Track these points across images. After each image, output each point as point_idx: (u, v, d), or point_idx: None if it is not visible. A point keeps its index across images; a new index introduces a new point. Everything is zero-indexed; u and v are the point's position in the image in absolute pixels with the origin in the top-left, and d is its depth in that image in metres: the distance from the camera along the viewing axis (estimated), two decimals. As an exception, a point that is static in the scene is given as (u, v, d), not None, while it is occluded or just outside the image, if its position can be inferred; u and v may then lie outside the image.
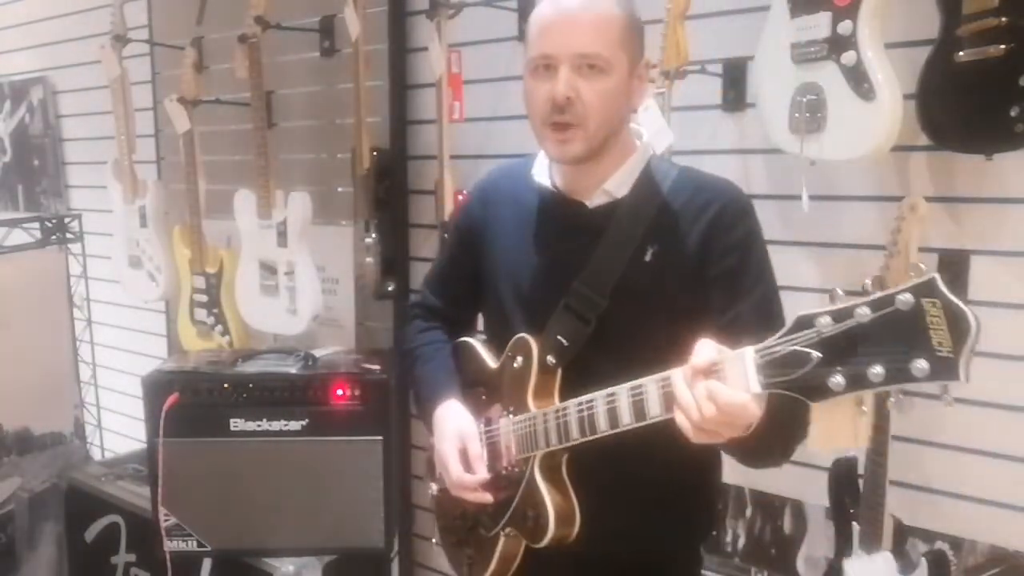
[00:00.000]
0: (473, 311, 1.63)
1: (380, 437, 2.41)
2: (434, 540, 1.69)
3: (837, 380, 0.93)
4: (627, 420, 1.22)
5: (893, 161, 1.81)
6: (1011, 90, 1.52)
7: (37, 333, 3.43)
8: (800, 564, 2.06)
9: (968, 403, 1.79)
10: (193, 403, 2.42)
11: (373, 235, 2.68)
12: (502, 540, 1.44)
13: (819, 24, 1.69)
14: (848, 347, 0.92)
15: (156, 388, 2.44)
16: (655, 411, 1.17)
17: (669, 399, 1.13)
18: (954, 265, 1.77)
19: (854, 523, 1.79)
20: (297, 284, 2.71)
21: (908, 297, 0.88)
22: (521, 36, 2.39)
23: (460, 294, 1.63)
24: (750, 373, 1.03)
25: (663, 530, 1.41)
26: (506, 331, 1.46)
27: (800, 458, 1.97)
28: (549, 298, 1.39)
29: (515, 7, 2.39)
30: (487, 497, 1.43)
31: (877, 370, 0.90)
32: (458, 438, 1.46)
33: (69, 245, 3.66)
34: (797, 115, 1.74)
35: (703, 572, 1.58)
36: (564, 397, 1.35)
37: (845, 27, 1.65)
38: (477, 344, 1.57)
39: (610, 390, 1.24)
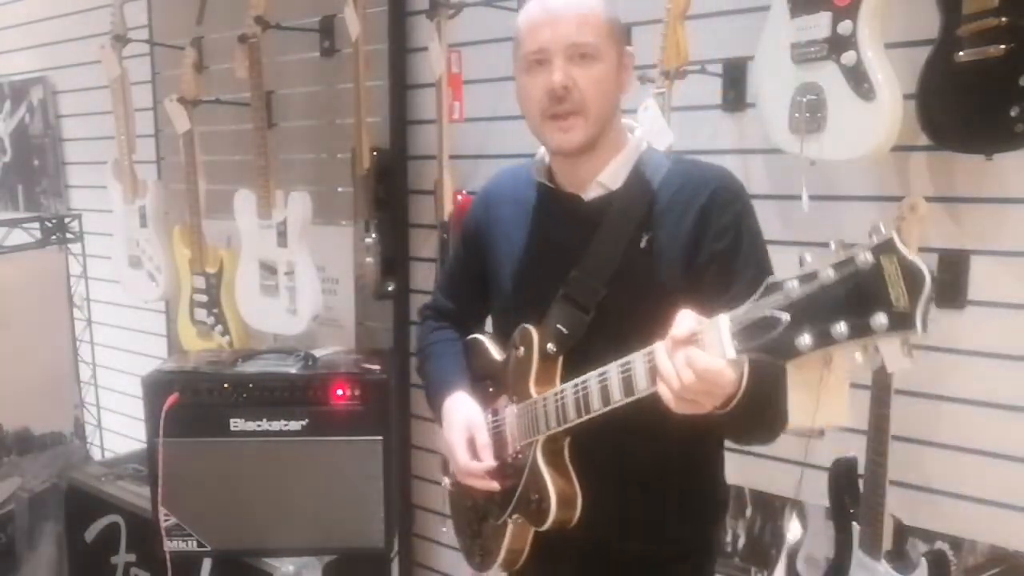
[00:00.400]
0: (482, 310, 1.67)
1: (380, 437, 2.42)
2: (444, 529, 1.70)
3: (804, 339, 0.97)
4: (618, 396, 1.25)
5: (893, 161, 1.81)
6: (1011, 90, 1.52)
7: (37, 333, 3.43)
8: (800, 564, 2.05)
9: (968, 403, 1.79)
10: (193, 403, 2.42)
11: (373, 235, 2.68)
12: (510, 527, 1.48)
13: (819, 24, 1.69)
14: (814, 307, 0.96)
15: (156, 388, 2.44)
16: (642, 385, 1.20)
17: (654, 372, 1.16)
18: (954, 265, 1.77)
19: (854, 523, 1.79)
20: (297, 284, 2.71)
21: (868, 256, 0.92)
22: (521, 36, 2.40)
23: (469, 294, 1.67)
24: (725, 339, 1.06)
25: (664, 517, 1.43)
26: (511, 325, 1.49)
27: (800, 458, 1.98)
28: (548, 289, 1.42)
29: (515, 7, 2.39)
30: (494, 484, 1.47)
31: (840, 327, 0.93)
32: (465, 428, 1.50)
33: (69, 245, 3.66)
34: (797, 115, 1.74)
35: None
36: (564, 382, 1.38)
37: (845, 27, 1.66)
38: (485, 339, 1.61)
39: (602, 369, 1.27)
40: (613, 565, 1.45)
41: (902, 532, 1.80)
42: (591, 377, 1.29)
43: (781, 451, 2.02)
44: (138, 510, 2.70)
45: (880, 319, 0.90)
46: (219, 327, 2.96)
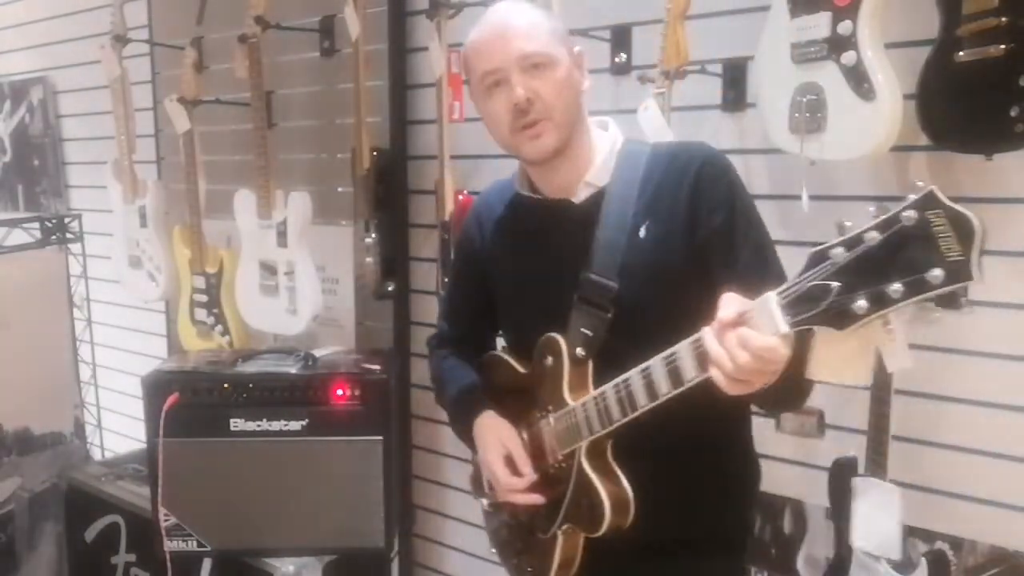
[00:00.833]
0: (489, 329, 1.69)
1: (380, 437, 2.41)
2: (492, 550, 1.71)
3: (860, 304, 0.96)
4: (665, 388, 1.24)
5: (893, 161, 1.81)
6: (1011, 90, 1.52)
7: (37, 333, 3.43)
8: (800, 564, 2.06)
9: (968, 403, 1.79)
10: (193, 403, 2.42)
11: (373, 235, 2.68)
12: (560, 539, 1.46)
13: (819, 24, 1.69)
14: (864, 271, 0.96)
15: (156, 388, 2.44)
16: (690, 373, 1.19)
17: (702, 358, 1.16)
18: (954, 265, 1.76)
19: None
20: (297, 284, 2.71)
21: (912, 213, 0.92)
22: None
23: (472, 315, 1.68)
24: (776, 315, 1.06)
25: (706, 499, 1.44)
26: (527, 337, 1.50)
27: (800, 458, 1.98)
28: (563, 295, 1.43)
29: (515, 7, 2.39)
30: (538, 498, 1.46)
31: (896, 287, 0.93)
32: (501, 445, 1.50)
33: (69, 245, 3.66)
34: (797, 115, 1.74)
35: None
36: (598, 386, 1.37)
37: (845, 27, 1.65)
38: (505, 355, 1.60)
39: (643, 365, 1.26)
40: (660, 555, 1.43)
41: (902, 532, 1.80)
42: (632, 375, 1.28)
43: (781, 451, 2.02)
44: (138, 510, 2.70)
45: (936, 273, 0.90)
46: (219, 327, 2.96)
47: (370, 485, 2.42)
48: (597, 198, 1.43)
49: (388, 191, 2.69)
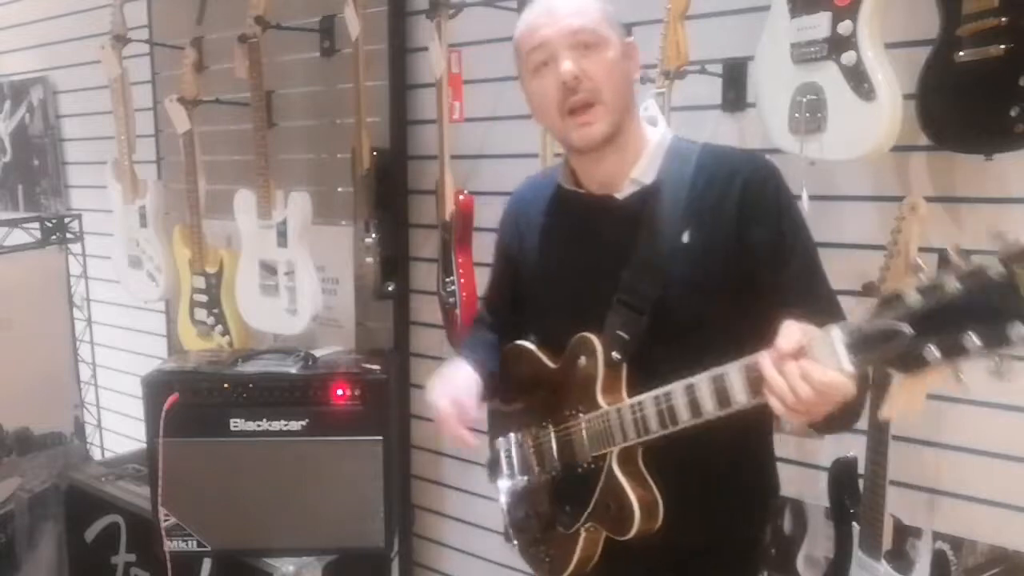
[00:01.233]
0: (517, 320, 1.66)
1: (380, 437, 2.42)
2: (508, 532, 1.68)
3: (932, 352, 0.96)
4: (710, 408, 1.22)
5: (893, 161, 1.81)
6: (1011, 90, 1.52)
7: (37, 333, 3.43)
8: (800, 564, 2.06)
9: (968, 403, 1.79)
10: (193, 403, 2.42)
11: (373, 235, 2.68)
12: (583, 536, 1.46)
13: (819, 24, 1.69)
14: (941, 319, 0.95)
15: (156, 388, 2.44)
16: (741, 397, 1.18)
17: (755, 384, 1.15)
18: (954, 265, 1.77)
19: (854, 523, 1.79)
20: (297, 284, 2.71)
21: (999, 266, 0.92)
22: (521, 36, 2.39)
23: (503, 305, 1.68)
24: (840, 351, 1.05)
25: (726, 514, 1.44)
26: (558, 333, 1.48)
27: (800, 458, 1.98)
28: (600, 295, 1.41)
29: (515, 7, 2.38)
30: (468, 438, 1.47)
31: (972, 339, 0.93)
32: (452, 385, 1.51)
33: (69, 245, 3.66)
34: (797, 115, 1.74)
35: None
36: (630, 390, 1.37)
37: (845, 27, 1.65)
38: (532, 347, 1.57)
39: (687, 381, 1.25)
40: (677, 561, 1.43)
41: (902, 532, 1.80)
42: (674, 389, 1.26)
43: (781, 451, 2.01)
44: (138, 510, 2.70)
45: (1018, 329, 0.90)
46: (219, 327, 2.96)
47: (370, 485, 2.42)
48: (642, 196, 1.40)
49: (388, 191, 2.69)
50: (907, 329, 0.98)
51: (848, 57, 1.65)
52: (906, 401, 1.05)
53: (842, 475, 1.82)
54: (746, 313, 1.25)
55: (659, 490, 1.36)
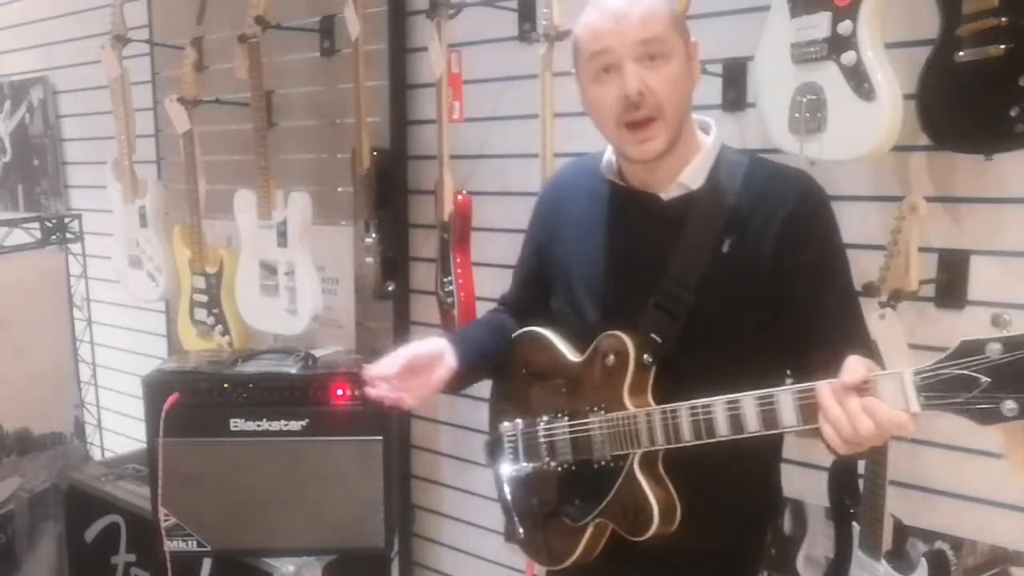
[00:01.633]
0: (536, 305, 1.63)
1: (380, 437, 2.42)
2: (511, 516, 1.65)
3: (1011, 406, 0.97)
4: (754, 427, 1.22)
5: (893, 161, 1.81)
6: (1011, 90, 1.52)
7: (37, 333, 3.43)
8: (800, 564, 2.06)
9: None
10: (193, 403, 2.42)
11: (373, 235, 2.68)
12: (590, 530, 1.45)
13: (819, 24, 1.69)
14: (1021, 375, 0.95)
15: (156, 388, 2.44)
16: (789, 421, 1.18)
17: (808, 411, 1.15)
18: (954, 265, 1.77)
19: (854, 523, 1.79)
20: (297, 284, 2.71)
21: None
22: (521, 36, 2.39)
23: (525, 287, 1.66)
24: (909, 393, 1.06)
25: (732, 522, 1.44)
26: (580, 325, 1.47)
27: (800, 458, 1.98)
28: (636, 295, 1.39)
29: (515, 7, 2.39)
30: (387, 396, 1.49)
31: None
32: (411, 349, 1.50)
33: (69, 245, 3.66)
34: (797, 115, 1.74)
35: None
36: (656, 393, 1.37)
37: (845, 27, 1.65)
38: (552, 335, 1.54)
39: (730, 397, 1.24)
40: (678, 563, 1.42)
41: (902, 532, 1.80)
42: (716, 403, 1.25)
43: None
44: (138, 510, 2.70)
45: None
46: (219, 327, 2.96)
47: (370, 485, 2.42)
48: (686, 201, 1.39)
49: (388, 191, 2.69)
50: (985, 380, 0.98)
51: (848, 57, 1.65)
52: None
53: (842, 475, 1.82)
54: (778, 333, 1.25)
55: (682, 495, 1.36)
